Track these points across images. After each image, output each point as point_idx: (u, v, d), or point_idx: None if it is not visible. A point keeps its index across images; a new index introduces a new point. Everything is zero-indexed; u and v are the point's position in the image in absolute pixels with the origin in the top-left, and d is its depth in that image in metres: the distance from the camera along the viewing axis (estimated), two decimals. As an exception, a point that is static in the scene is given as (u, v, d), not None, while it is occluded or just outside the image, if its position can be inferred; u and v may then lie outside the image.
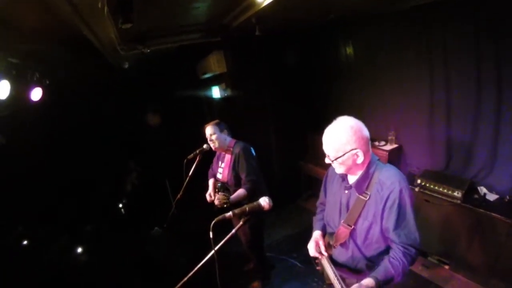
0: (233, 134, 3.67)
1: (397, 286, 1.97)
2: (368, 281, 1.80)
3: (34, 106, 3.60)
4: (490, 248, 3.45)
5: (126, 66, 4.59)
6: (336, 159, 1.95)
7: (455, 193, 3.63)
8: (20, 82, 3.26)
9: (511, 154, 3.47)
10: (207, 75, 5.42)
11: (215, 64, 4.88)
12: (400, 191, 1.89)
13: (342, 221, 2.12)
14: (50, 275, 3.97)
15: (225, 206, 3.24)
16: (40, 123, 4.22)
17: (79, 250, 4.49)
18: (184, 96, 5.77)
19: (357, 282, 1.81)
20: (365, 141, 1.95)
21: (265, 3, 2.71)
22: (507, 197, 3.51)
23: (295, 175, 6.30)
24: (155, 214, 4.51)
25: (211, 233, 1.96)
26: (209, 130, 3.49)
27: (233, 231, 2.12)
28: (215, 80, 5.48)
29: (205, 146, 3.68)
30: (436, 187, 3.81)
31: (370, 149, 2.03)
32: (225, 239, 2.09)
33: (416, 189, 3.91)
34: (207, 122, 3.57)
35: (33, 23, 2.67)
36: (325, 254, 2.24)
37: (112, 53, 3.92)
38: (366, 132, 1.97)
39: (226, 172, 3.57)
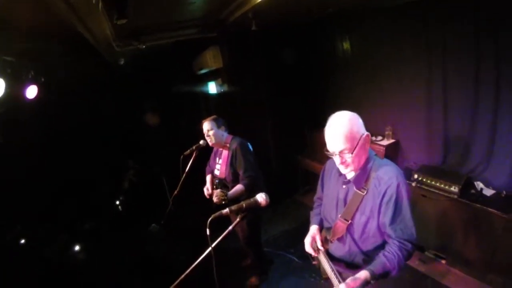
0: (230, 130, 3.66)
1: (394, 280, 1.98)
2: (363, 273, 1.80)
3: (30, 104, 3.58)
4: (486, 243, 3.46)
5: (122, 62, 4.58)
6: (354, 149, 1.91)
7: (452, 188, 3.63)
8: (15, 80, 3.24)
9: (508, 150, 3.47)
10: (203, 71, 5.40)
11: (211, 59, 4.86)
12: (398, 186, 1.90)
13: (339, 215, 2.12)
14: (49, 273, 3.97)
15: (223, 202, 3.23)
16: (36, 121, 4.19)
17: (77, 248, 4.48)
18: (180, 92, 5.76)
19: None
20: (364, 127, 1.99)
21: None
22: (504, 192, 3.51)
23: (292, 170, 6.28)
24: (153, 211, 4.51)
25: (207, 230, 1.95)
26: (206, 125, 3.47)
27: (230, 227, 2.11)
28: (211, 76, 5.47)
29: (201, 142, 3.67)
30: (433, 182, 3.81)
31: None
32: (222, 235, 2.08)
33: (413, 184, 3.91)
34: (203, 118, 3.55)
35: (28, 21, 2.65)
36: (321, 249, 2.25)
37: (107, 50, 3.91)
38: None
39: (224, 168, 3.57)
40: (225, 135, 3.57)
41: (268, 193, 2.19)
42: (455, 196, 3.61)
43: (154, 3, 2.76)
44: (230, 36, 4.60)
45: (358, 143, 1.91)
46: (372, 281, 1.80)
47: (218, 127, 3.49)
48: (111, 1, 2.14)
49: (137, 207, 5.44)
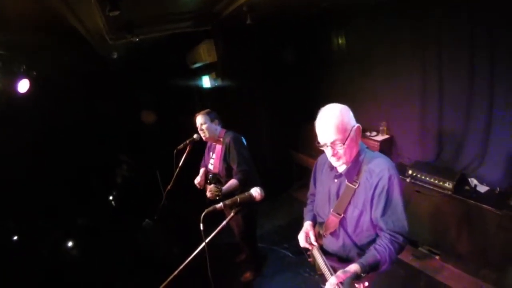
0: (224, 124, 3.62)
1: (387, 275, 1.97)
2: (353, 266, 1.78)
3: (22, 98, 3.54)
4: (480, 239, 3.47)
5: (115, 56, 4.53)
6: (345, 140, 1.89)
7: (446, 184, 3.64)
8: (7, 73, 3.20)
9: (502, 147, 3.48)
10: (197, 65, 5.36)
11: (206, 53, 4.83)
12: (389, 178, 1.88)
13: (331, 210, 2.11)
14: (42, 269, 3.95)
15: (217, 198, 3.20)
16: (28, 115, 4.14)
17: (71, 244, 4.45)
18: (174, 86, 5.71)
19: None
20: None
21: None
22: (498, 189, 3.53)
23: (287, 165, 6.28)
24: (146, 206, 4.48)
25: (201, 225, 1.92)
26: (199, 119, 3.43)
27: (224, 222, 2.09)
28: (205, 70, 5.43)
29: (195, 136, 3.64)
30: (427, 178, 3.82)
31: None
32: (216, 230, 2.06)
33: (407, 180, 3.91)
34: (197, 112, 3.51)
35: (19, 13, 2.61)
36: (315, 244, 2.23)
37: (100, 43, 3.87)
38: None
39: (218, 163, 3.54)
40: (218, 129, 3.53)
41: (262, 187, 2.17)
42: (449, 192, 3.62)
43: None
44: (224, 30, 4.56)
45: (349, 134, 1.89)
46: (362, 274, 1.78)
47: (212, 121, 3.45)
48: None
49: (131, 202, 5.41)
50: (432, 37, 3.76)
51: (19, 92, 3.47)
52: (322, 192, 2.28)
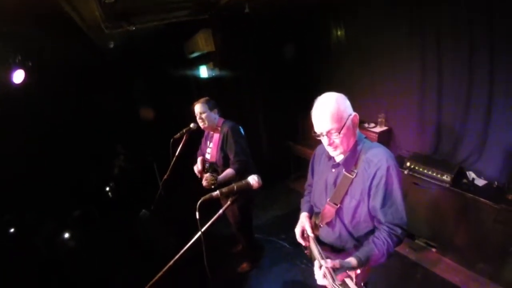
0: (221, 114, 3.59)
1: (384, 268, 1.96)
2: (350, 259, 1.76)
3: (17, 89, 3.50)
4: (477, 233, 3.48)
5: (112, 45, 4.47)
6: (341, 129, 1.86)
7: (444, 177, 3.64)
8: (1, 64, 3.16)
9: (500, 141, 3.47)
10: (194, 54, 5.31)
11: (203, 43, 4.77)
12: (387, 169, 1.85)
13: (328, 199, 2.09)
14: (39, 261, 3.95)
15: (212, 187, 3.18)
16: (23, 106, 4.10)
17: (67, 235, 4.44)
18: (171, 76, 5.67)
19: None
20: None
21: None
22: (495, 183, 3.53)
23: (284, 156, 6.26)
24: (143, 197, 4.47)
25: (197, 214, 1.90)
26: (198, 108, 3.37)
27: (221, 211, 2.06)
28: (203, 59, 5.37)
29: (192, 125, 3.60)
30: (425, 170, 3.81)
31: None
32: (213, 219, 2.04)
33: (405, 172, 3.90)
34: (194, 101, 3.47)
35: (14, 2, 2.56)
36: (312, 235, 2.21)
37: (96, 32, 3.80)
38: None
39: (215, 152, 3.50)
40: (217, 118, 3.49)
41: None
42: (447, 185, 3.62)
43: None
44: (222, 19, 4.50)
45: (345, 123, 1.86)
46: (359, 268, 1.77)
47: (211, 109, 3.40)
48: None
49: (127, 193, 5.40)
50: (431, 27, 3.72)
51: (14, 83, 3.43)
52: (319, 181, 2.25)
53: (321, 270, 1.69)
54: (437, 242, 3.99)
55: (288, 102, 5.92)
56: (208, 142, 3.63)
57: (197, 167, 3.60)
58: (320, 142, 2.05)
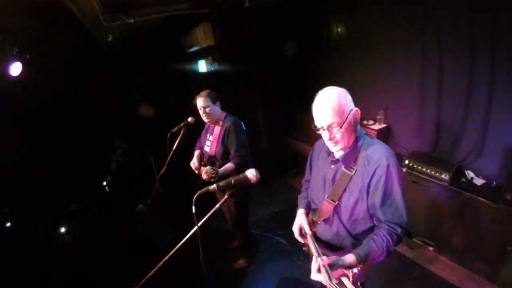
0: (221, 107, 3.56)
1: (381, 266, 1.94)
2: (349, 257, 1.73)
3: (14, 81, 3.47)
4: (474, 232, 3.48)
5: (110, 39, 4.44)
6: (343, 123, 1.84)
7: (443, 176, 3.63)
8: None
9: (500, 141, 3.45)
10: (194, 48, 5.28)
11: (202, 36, 4.75)
12: (387, 167, 1.83)
13: (326, 196, 2.06)
14: (36, 255, 3.94)
15: (212, 180, 3.15)
16: (20, 99, 4.07)
17: (64, 230, 4.43)
18: (170, 70, 5.64)
19: None
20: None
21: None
22: (494, 182, 3.52)
23: (282, 151, 6.26)
24: (140, 191, 4.46)
25: (193, 208, 1.88)
26: (201, 102, 3.31)
27: (218, 205, 2.06)
28: (202, 54, 5.35)
29: (189, 119, 3.57)
30: (424, 169, 3.80)
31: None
32: (209, 214, 2.02)
33: (404, 170, 3.89)
34: (193, 96, 3.44)
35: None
36: (309, 232, 2.20)
37: (95, 25, 3.77)
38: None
39: (215, 145, 3.46)
40: (220, 111, 3.46)
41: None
42: (446, 184, 3.61)
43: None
44: (222, 13, 4.47)
45: (346, 117, 1.84)
46: (358, 265, 1.75)
47: (214, 103, 3.36)
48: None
49: (125, 187, 5.39)
50: (432, 24, 3.69)
51: (11, 76, 3.40)
52: (317, 177, 2.23)
53: (315, 266, 1.68)
54: (434, 240, 3.98)
55: (287, 98, 5.90)
56: (208, 135, 3.59)
57: (194, 164, 3.57)
58: (319, 137, 2.03)
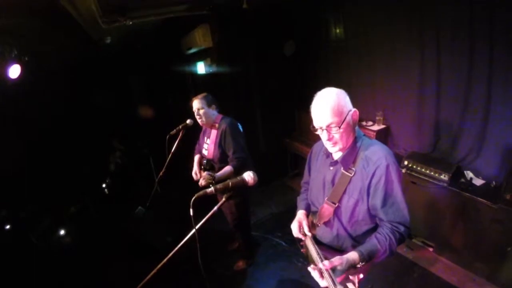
0: (219, 110, 3.56)
1: (381, 267, 1.94)
2: (352, 254, 1.72)
3: (13, 84, 3.46)
4: (474, 232, 3.47)
5: (108, 41, 4.43)
6: (341, 123, 1.84)
7: (442, 176, 3.62)
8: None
9: (499, 141, 3.44)
10: (192, 50, 5.27)
11: (201, 38, 4.74)
12: (387, 167, 1.83)
13: (326, 198, 2.06)
14: (35, 257, 3.93)
15: (210, 185, 3.15)
16: (19, 101, 4.06)
17: (63, 231, 4.43)
18: (168, 72, 5.63)
19: None
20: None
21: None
22: (493, 182, 3.51)
23: (281, 153, 6.26)
24: (139, 193, 4.45)
25: (191, 210, 1.87)
26: (196, 104, 3.35)
27: (215, 208, 2.05)
28: (200, 55, 5.34)
29: (188, 121, 3.56)
30: (423, 169, 3.80)
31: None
32: (207, 216, 2.01)
33: (403, 171, 3.89)
34: (191, 98, 3.44)
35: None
36: (309, 234, 2.18)
37: (93, 27, 3.76)
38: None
39: (212, 148, 3.47)
40: (215, 114, 3.46)
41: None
42: (445, 184, 3.60)
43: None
44: (220, 15, 4.47)
45: (345, 118, 1.84)
46: (360, 263, 1.72)
47: (209, 105, 3.38)
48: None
49: (124, 189, 5.38)
50: (431, 24, 3.68)
51: (10, 78, 3.39)
52: (316, 179, 2.23)
53: (316, 271, 1.67)
54: (434, 241, 3.98)
55: (285, 99, 5.90)
56: (206, 138, 3.59)
57: (196, 174, 3.56)
58: (318, 138, 2.02)
